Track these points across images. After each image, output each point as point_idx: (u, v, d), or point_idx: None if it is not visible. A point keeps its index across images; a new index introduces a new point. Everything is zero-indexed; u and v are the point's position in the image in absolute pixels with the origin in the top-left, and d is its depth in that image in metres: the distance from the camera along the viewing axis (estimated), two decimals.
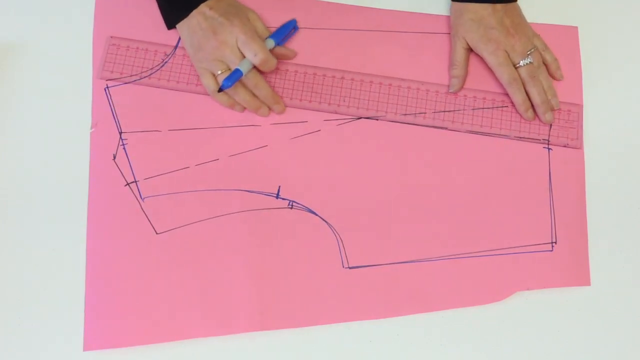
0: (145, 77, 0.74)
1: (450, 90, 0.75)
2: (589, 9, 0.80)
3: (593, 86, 0.76)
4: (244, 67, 0.69)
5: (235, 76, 0.69)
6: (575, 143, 0.73)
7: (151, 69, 0.74)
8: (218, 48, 0.70)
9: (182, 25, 0.72)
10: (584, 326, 0.68)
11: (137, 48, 0.75)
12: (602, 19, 0.80)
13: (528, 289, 0.68)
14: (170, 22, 0.73)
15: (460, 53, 0.75)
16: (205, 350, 0.65)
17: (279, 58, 0.73)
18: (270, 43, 0.72)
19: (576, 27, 0.79)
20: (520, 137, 0.73)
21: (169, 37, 0.75)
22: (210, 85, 0.71)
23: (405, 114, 0.74)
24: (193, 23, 0.71)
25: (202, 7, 0.70)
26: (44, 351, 0.65)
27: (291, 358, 0.66)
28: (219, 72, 0.70)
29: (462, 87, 0.75)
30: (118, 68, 0.74)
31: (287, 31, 0.74)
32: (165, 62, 0.75)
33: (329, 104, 0.74)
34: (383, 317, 0.67)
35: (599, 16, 0.80)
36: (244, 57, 0.70)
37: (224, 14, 0.70)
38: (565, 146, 0.73)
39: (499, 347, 0.67)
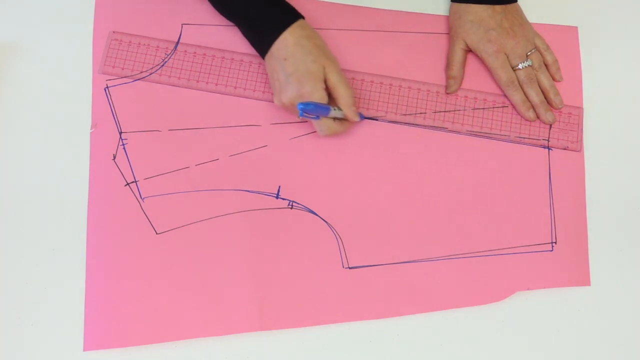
0: (146, 75, 0.74)
1: (447, 92, 0.75)
2: (589, 9, 0.80)
3: (593, 87, 0.76)
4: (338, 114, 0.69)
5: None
6: (575, 146, 0.73)
7: (150, 68, 0.74)
8: (290, 106, 0.69)
9: (266, 60, 0.70)
10: (584, 326, 0.68)
11: (139, 44, 0.75)
12: (602, 19, 0.80)
13: (528, 289, 0.68)
14: (259, 53, 0.71)
15: (458, 54, 0.75)
16: (205, 350, 0.65)
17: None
18: (330, 115, 0.69)
19: (576, 27, 0.79)
20: (520, 139, 0.73)
21: (170, 32, 0.76)
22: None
23: (405, 114, 0.74)
24: (271, 66, 0.69)
25: (282, 51, 0.68)
26: (44, 351, 0.65)
27: (291, 358, 0.66)
28: (298, 118, 0.69)
29: (459, 88, 0.75)
30: (119, 63, 0.74)
31: (313, 113, 0.68)
32: (166, 60, 0.75)
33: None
34: (383, 317, 0.67)
35: (599, 16, 0.80)
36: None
37: (296, 71, 0.67)
38: (565, 149, 0.73)
39: (499, 347, 0.67)
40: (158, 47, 0.75)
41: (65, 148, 0.72)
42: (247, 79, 0.74)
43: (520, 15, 0.75)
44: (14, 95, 0.74)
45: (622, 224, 0.71)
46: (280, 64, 0.68)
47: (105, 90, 0.74)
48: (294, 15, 0.69)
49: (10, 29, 0.76)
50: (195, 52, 0.75)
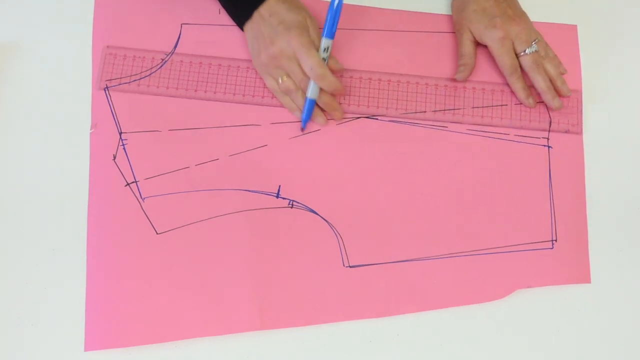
0: (144, 82, 0.74)
1: (456, 77, 0.74)
2: (589, 8, 0.80)
3: (592, 85, 0.76)
4: (314, 93, 0.70)
5: (310, 107, 0.71)
6: (575, 129, 0.74)
7: (150, 69, 0.74)
8: (276, 58, 0.70)
9: (247, 28, 0.72)
10: (584, 324, 0.68)
11: (134, 56, 0.75)
12: (602, 18, 0.79)
13: (528, 287, 0.68)
14: (239, 22, 0.73)
15: (467, 45, 0.74)
16: (205, 350, 0.66)
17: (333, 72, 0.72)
18: (327, 42, 0.69)
19: (575, 26, 0.79)
20: (522, 127, 0.73)
21: (167, 44, 0.76)
22: (275, 87, 0.72)
23: (406, 112, 0.74)
24: (256, 27, 0.71)
25: (263, 10, 0.70)
26: (45, 351, 0.65)
27: (291, 358, 0.66)
28: (280, 81, 0.71)
29: (468, 76, 0.74)
30: (116, 77, 0.74)
31: (334, 18, 0.69)
32: (161, 65, 0.74)
33: None
34: (383, 316, 0.67)
35: (599, 15, 0.80)
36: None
37: (282, 22, 0.69)
38: (566, 132, 0.73)
39: (499, 346, 0.67)
40: (153, 58, 0.75)
41: (65, 148, 0.72)
42: (245, 85, 0.74)
43: (520, 9, 0.76)
44: (14, 95, 0.74)
45: (622, 223, 0.71)
46: (264, 21, 0.70)
47: (105, 90, 0.74)
48: None
49: (10, 29, 0.76)
50: (191, 62, 0.75)
